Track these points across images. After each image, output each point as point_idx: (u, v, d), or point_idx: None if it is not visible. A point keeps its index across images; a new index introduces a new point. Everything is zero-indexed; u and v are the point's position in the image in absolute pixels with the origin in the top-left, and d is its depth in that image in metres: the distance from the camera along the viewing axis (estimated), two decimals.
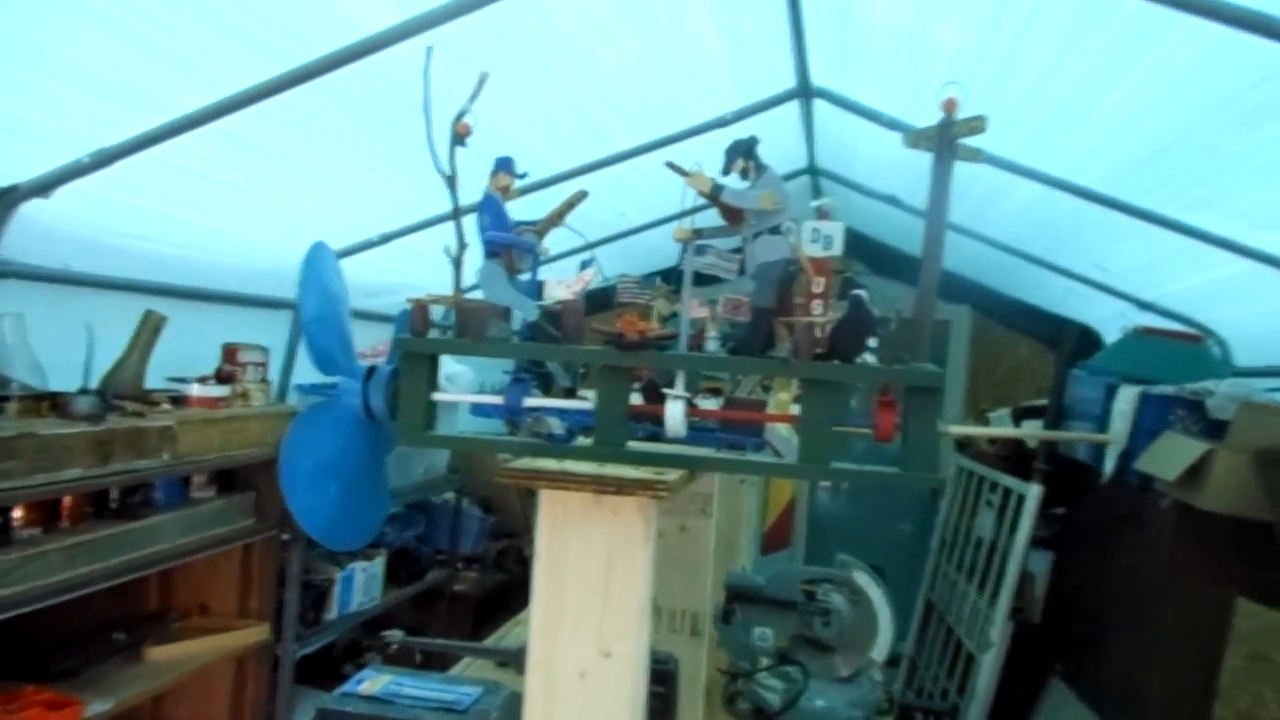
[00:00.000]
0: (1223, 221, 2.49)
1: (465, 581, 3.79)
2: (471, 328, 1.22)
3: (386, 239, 3.10)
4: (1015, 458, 4.00)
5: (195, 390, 2.42)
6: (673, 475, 1.12)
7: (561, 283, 1.22)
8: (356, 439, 1.27)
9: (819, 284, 2.17)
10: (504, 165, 1.23)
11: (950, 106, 1.14)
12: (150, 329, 2.25)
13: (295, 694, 2.80)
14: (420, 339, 1.22)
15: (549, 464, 1.14)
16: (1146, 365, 3.32)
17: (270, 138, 2.17)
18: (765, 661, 2.21)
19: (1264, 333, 3.28)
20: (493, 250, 1.22)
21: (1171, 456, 2.84)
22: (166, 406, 2.29)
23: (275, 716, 2.65)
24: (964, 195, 3.33)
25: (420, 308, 1.24)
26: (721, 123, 2.93)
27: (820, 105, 3.00)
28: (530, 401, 1.22)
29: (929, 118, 1.17)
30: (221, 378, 2.52)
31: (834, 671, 2.18)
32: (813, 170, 4.00)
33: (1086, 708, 3.05)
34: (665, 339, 1.17)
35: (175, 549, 2.28)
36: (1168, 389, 3.07)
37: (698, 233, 1.20)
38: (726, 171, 1.20)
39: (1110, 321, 4.01)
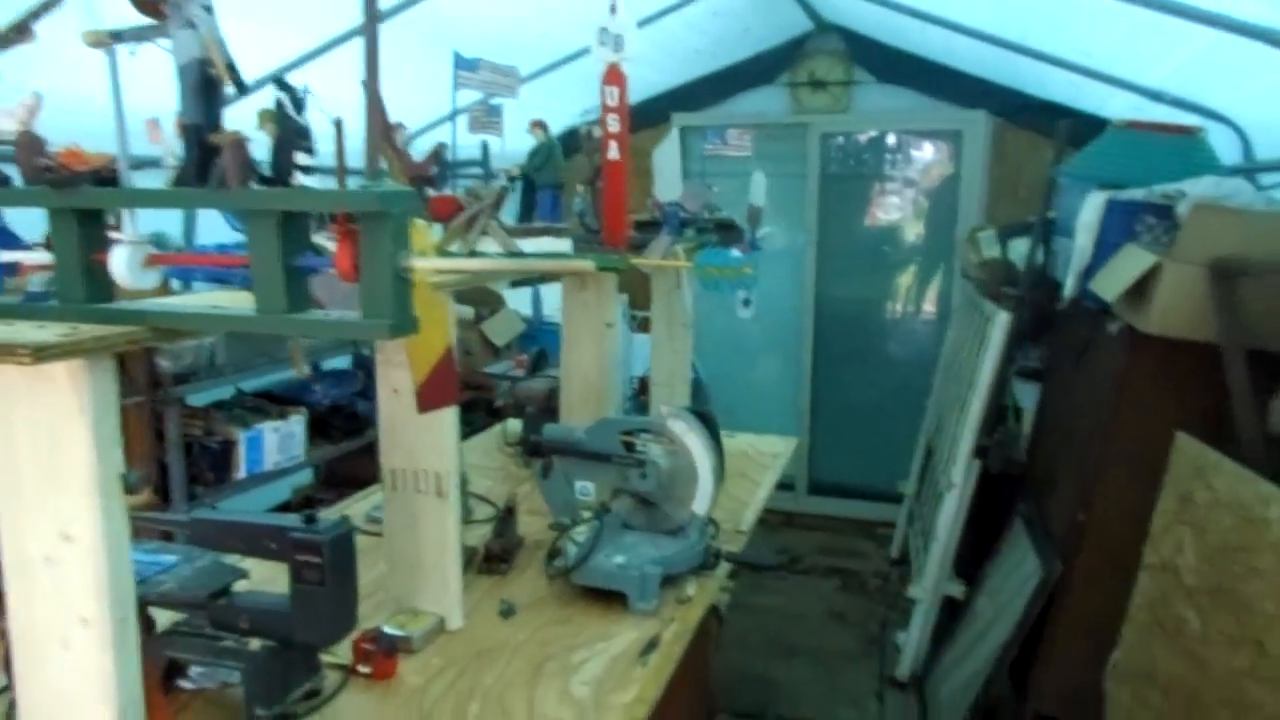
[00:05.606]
0: None
1: None
2: None
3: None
4: (1007, 281, 3.57)
5: None
6: (92, 334, 0.94)
7: (4, 111, 1.03)
8: None
9: (612, 94, 1.87)
10: None
11: None
12: None
13: None
14: None
15: None
16: (1131, 166, 2.82)
17: None
18: (586, 515, 2.07)
19: None
20: None
21: (1121, 273, 2.43)
22: None
23: None
24: None
25: None
26: None
27: None
28: (3, 256, 1.06)
29: None
30: None
31: (658, 526, 2.03)
32: None
33: (1032, 549, 2.78)
34: (102, 172, 0.98)
35: None
36: (1136, 193, 2.59)
37: (115, 35, 0.97)
38: None
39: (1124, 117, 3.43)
